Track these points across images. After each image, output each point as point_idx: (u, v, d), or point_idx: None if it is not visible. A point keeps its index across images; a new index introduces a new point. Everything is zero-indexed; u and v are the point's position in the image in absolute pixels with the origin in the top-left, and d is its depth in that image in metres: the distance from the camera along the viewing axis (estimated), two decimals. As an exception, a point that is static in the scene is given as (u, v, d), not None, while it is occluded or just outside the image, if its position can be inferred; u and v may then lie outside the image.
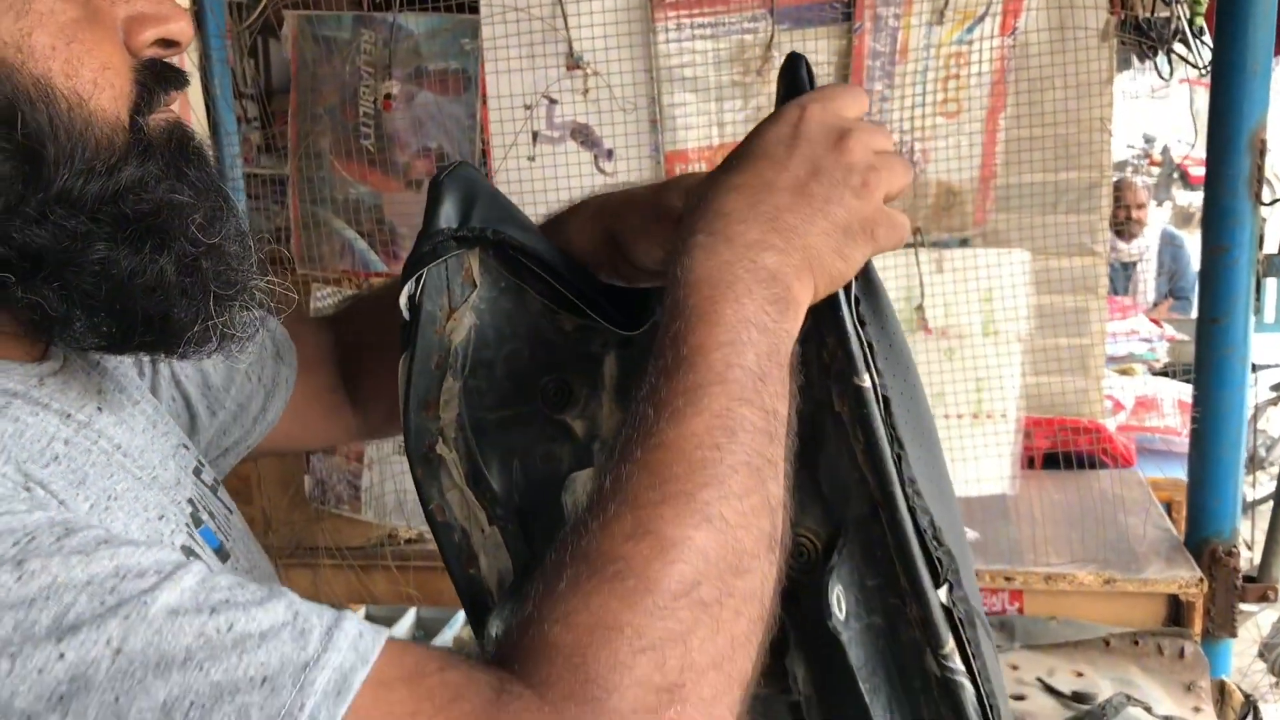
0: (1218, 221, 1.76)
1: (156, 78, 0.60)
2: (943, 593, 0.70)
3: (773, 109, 0.74)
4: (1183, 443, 2.54)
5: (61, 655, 0.41)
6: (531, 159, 1.77)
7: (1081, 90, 1.78)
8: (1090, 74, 1.77)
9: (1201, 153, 1.79)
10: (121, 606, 0.43)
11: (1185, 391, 2.73)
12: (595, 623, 0.50)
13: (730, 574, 0.54)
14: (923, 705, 0.72)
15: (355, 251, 1.82)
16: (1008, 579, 1.82)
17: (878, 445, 0.70)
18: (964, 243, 1.86)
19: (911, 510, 0.69)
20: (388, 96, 1.77)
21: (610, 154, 1.78)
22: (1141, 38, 1.81)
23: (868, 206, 0.67)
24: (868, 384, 0.70)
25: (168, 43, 0.60)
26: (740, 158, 0.69)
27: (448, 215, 0.76)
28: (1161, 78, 1.86)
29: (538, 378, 0.79)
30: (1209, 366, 1.81)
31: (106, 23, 0.57)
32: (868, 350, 0.70)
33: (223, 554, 0.69)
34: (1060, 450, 2.06)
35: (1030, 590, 1.83)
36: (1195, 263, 5.94)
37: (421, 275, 0.76)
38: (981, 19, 1.76)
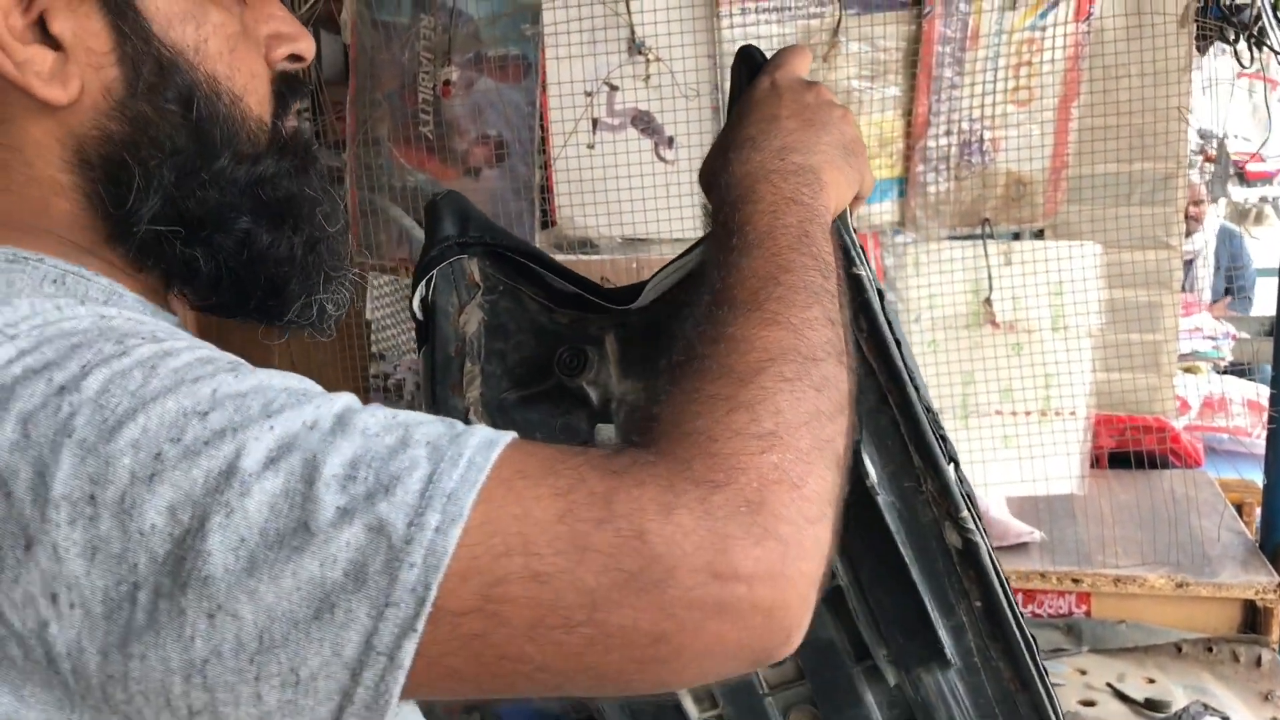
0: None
1: (288, 87, 0.71)
2: (950, 469, 0.75)
3: (740, 94, 0.85)
4: (1253, 443, 2.48)
5: (271, 428, 0.51)
6: (591, 147, 1.74)
7: (1158, 78, 1.72)
8: (1168, 61, 1.71)
9: (1258, 148, 1.74)
10: (313, 399, 0.53)
11: (1255, 390, 2.66)
12: (687, 397, 0.58)
13: (805, 360, 0.61)
14: (946, 585, 0.77)
15: (413, 240, 1.80)
16: (1075, 580, 1.77)
17: (880, 330, 0.77)
18: (1034, 234, 1.81)
19: (916, 390, 0.75)
20: (447, 83, 1.75)
21: (671, 141, 1.74)
22: (1222, 23, 1.75)
23: (851, 128, 0.81)
24: (865, 274, 0.77)
25: (296, 57, 0.72)
26: (737, 116, 0.81)
27: (448, 228, 0.87)
28: (1241, 65, 1.79)
29: (547, 359, 0.87)
30: (1289, 363, 1.75)
31: (254, 38, 0.69)
32: (859, 249, 0.78)
33: None
34: (1126, 449, 2.01)
35: (1098, 593, 1.78)
36: (1254, 259, 5.83)
37: (432, 277, 0.85)
38: (1055, 4, 1.70)
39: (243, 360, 0.57)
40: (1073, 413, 1.79)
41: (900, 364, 0.77)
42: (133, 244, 0.64)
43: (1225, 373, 2.82)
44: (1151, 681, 1.64)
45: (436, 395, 0.84)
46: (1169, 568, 1.77)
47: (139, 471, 0.49)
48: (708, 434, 0.56)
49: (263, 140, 0.68)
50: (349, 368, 1.92)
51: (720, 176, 0.75)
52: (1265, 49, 1.81)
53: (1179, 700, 1.58)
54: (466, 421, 0.83)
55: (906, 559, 0.77)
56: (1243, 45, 1.78)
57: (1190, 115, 1.74)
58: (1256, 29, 1.80)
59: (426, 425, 0.54)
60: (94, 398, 0.50)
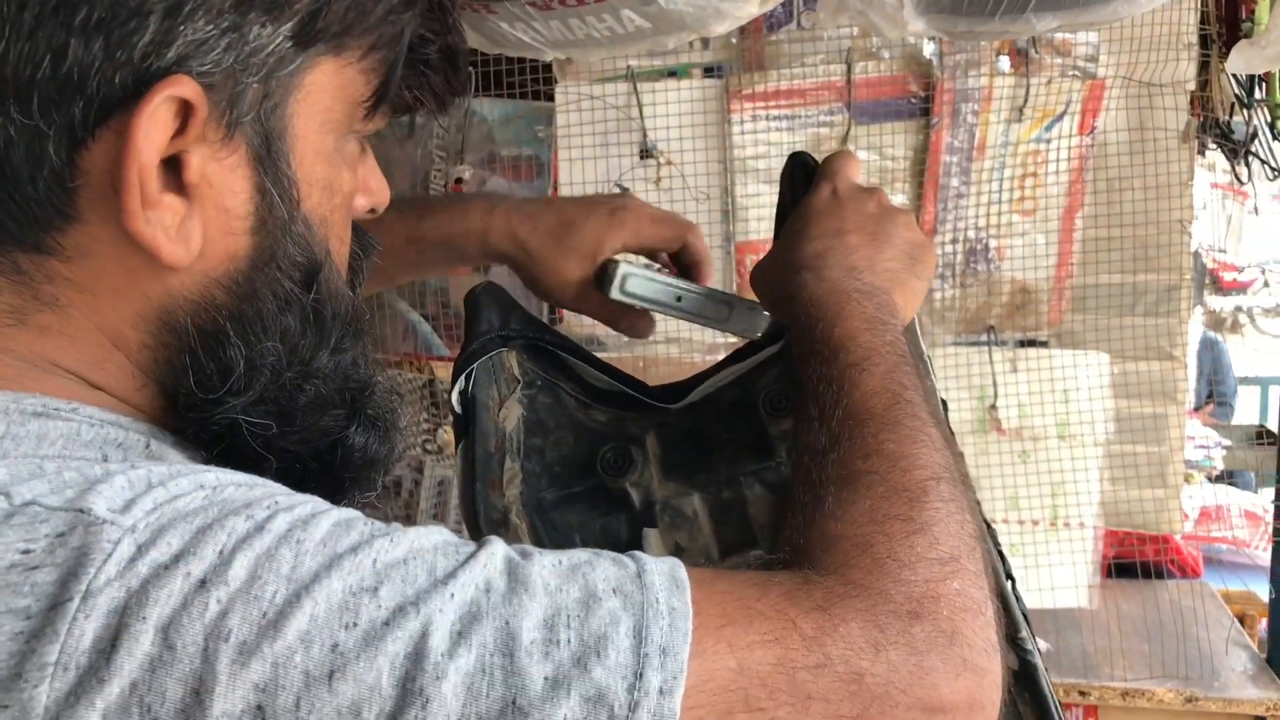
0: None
1: (362, 247, 0.63)
2: (1009, 586, 0.75)
3: (793, 200, 0.84)
4: (1252, 554, 2.47)
5: (451, 595, 0.45)
6: (601, 247, 1.74)
7: (1160, 191, 1.75)
8: (1170, 175, 1.74)
9: (1232, 258, 1.78)
10: (477, 557, 0.48)
11: (1251, 500, 2.66)
12: (866, 517, 0.56)
13: (953, 480, 0.60)
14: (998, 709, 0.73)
15: (418, 334, 1.79)
16: (1082, 693, 1.74)
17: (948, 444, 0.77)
18: (1033, 343, 1.82)
19: (978, 504, 0.73)
20: (459, 181, 1.76)
21: (681, 243, 1.75)
22: (1222, 141, 1.79)
23: (916, 235, 0.79)
24: (934, 384, 0.78)
25: (371, 210, 0.63)
26: (801, 225, 0.79)
27: (489, 320, 0.85)
28: (1239, 180, 1.83)
29: (587, 459, 0.85)
30: (1293, 475, 1.75)
31: (349, 194, 0.59)
32: (927, 358, 0.79)
33: None
34: (1126, 559, 2.00)
35: (1106, 706, 1.75)
36: (1235, 368, 5.89)
37: (472, 371, 0.83)
38: (1060, 118, 1.74)
39: (358, 513, 0.49)
40: (1080, 523, 1.78)
41: (965, 475, 0.77)
42: (204, 428, 0.53)
43: (1217, 481, 2.83)
44: (1165, 800, 1.61)
45: (476, 493, 0.82)
46: (1177, 681, 1.75)
47: (314, 670, 0.42)
48: (896, 559, 0.54)
49: (348, 316, 0.57)
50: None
51: (798, 295, 0.73)
52: (1258, 165, 1.85)
53: (1193, 821, 1.55)
54: (505, 521, 0.81)
55: None
56: (1234, 162, 1.81)
57: (1191, 229, 1.76)
58: (1252, 145, 1.84)
59: (599, 567, 0.49)
60: (244, 588, 0.43)
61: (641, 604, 0.47)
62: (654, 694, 0.45)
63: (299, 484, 0.54)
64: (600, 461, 0.83)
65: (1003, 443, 1.79)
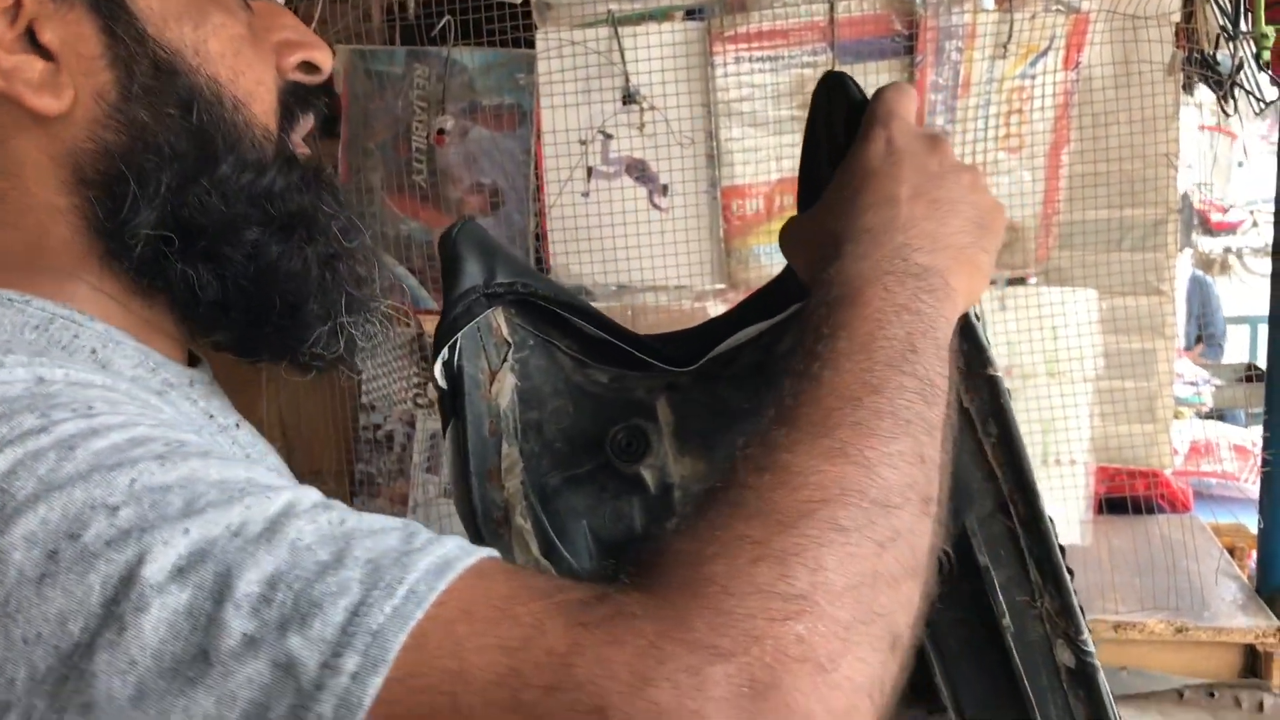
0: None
1: (297, 98, 0.67)
2: (1069, 579, 0.69)
3: (832, 134, 0.74)
4: (1241, 487, 2.49)
5: (186, 531, 0.44)
6: (586, 195, 1.74)
7: (1146, 125, 1.74)
8: (1155, 108, 1.74)
9: (1221, 197, 1.77)
10: (245, 497, 0.46)
11: (1240, 435, 2.68)
12: (713, 536, 0.47)
13: (871, 505, 0.50)
14: (1049, 704, 0.70)
15: (405, 288, 1.79)
16: (1075, 627, 1.76)
17: (1014, 437, 0.69)
18: (1021, 281, 1.82)
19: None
20: (440, 132, 1.74)
21: (666, 189, 1.75)
22: (1207, 72, 1.78)
23: (986, 198, 0.69)
24: (999, 373, 0.69)
25: (310, 67, 0.68)
26: (850, 187, 0.69)
27: (472, 273, 0.74)
28: (1225, 114, 1.82)
29: (591, 433, 0.76)
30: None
31: (263, 43, 0.65)
32: (991, 347, 0.69)
33: None
34: (1117, 495, 2.01)
35: (1098, 638, 1.73)
36: (1224, 308, 5.91)
37: (456, 340, 0.73)
38: (1045, 53, 1.73)
39: (202, 443, 0.50)
40: (1072, 460, 1.79)
41: (1033, 478, 0.69)
42: (131, 263, 0.60)
43: (1207, 418, 2.84)
44: (1156, 729, 1.63)
45: (472, 489, 0.74)
46: (1167, 613, 1.76)
47: (28, 571, 0.43)
48: (720, 585, 0.44)
49: (269, 151, 0.63)
50: (338, 420, 1.89)
51: (828, 270, 0.63)
52: (1243, 96, 1.84)
53: (1185, 748, 1.57)
54: (508, 521, 0.73)
55: (1021, 680, 0.70)
56: (1220, 96, 1.80)
57: (1178, 162, 1.76)
58: (1239, 77, 1.83)
59: (380, 537, 0.46)
60: None
61: (381, 582, 0.43)
62: (345, 676, 0.42)
63: (253, 320, 0.62)
64: (611, 444, 0.75)
65: (992, 381, 1.80)
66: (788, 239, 0.73)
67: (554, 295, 0.77)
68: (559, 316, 0.77)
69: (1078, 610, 0.69)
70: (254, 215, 0.61)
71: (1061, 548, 0.70)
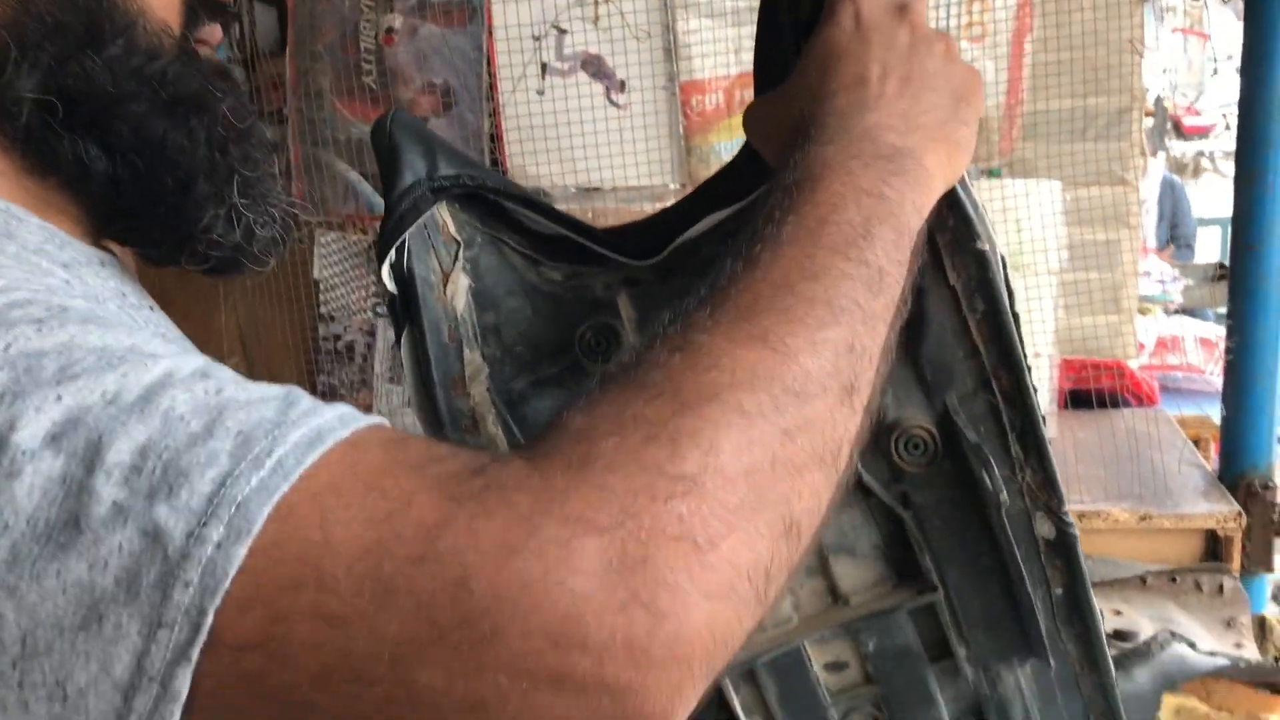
0: (1252, 144, 1.71)
1: (202, 3, 0.64)
2: (1051, 453, 0.69)
3: (767, 12, 0.71)
4: (1206, 380, 2.50)
5: (59, 398, 0.44)
6: (540, 93, 1.70)
7: (1110, 10, 1.71)
8: (1119, -7, 1.71)
9: (1191, 101, 1.75)
10: (123, 364, 0.45)
11: (1207, 330, 2.69)
12: (610, 413, 0.47)
13: (784, 393, 0.49)
14: (1028, 576, 0.71)
15: (360, 194, 1.75)
16: (1040, 519, 1.77)
17: (1001, 311, 0.68)
18: (991, 173, 1.80)
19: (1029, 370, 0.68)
20: (389, 31, 1.70)
21: (623, 85, 1.71)
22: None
23: (961, 66, 0.66)
24: (988, 247, 0.66)
25: None
26: (817, 68, 0.66)
27: (414, 166, 0.70)
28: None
29: (553, 335, 0.74)
30: (1244, 294, 1.76)
31: None
32: (984, 219, 0.66)
33: None
34: (1083, 390, 2.02)
35: (1063, 530, 1.78)
36: (1195, 210, 5.92)
37: (403, 241, 0.68)
38: (1007, -63, 1.69)
39: (76, 305, 0.49)
40: (1036, 353, 1.79)
41: (1020, 352, 0.68)
42: (18, 133, 0.57)
43: (1176, 314, 2.85)
44: (1118, 613, 1.65)
45: (437, 399, 0.70)
46: (1131, 501, 1.78)
47: None
48: (606, 461, 0.44)
49: (166, 44, 0.61)
50: (296, 330, 1.87)
51: (792, 156, 0.61)
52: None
53: (1146, 630, 1.59)
54: (476, 428, 0.71)
55: (1005, 553, 0.71)
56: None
57: (1143, 48, 1.73)
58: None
59: (256, 408, 0.45)
60: None
61: (250, 453, 0.43)
62: (210, 546, 0.42)
63: (151, 203, 0.60)
64: (580, 344, 0.72)
65: (956, 276, 1.79)
66: (753, 123, 0.70)
67: (502, 188, 0.73)
68: (507, 212, 0.73)
69: (1058, 482, 0.69)
70: (142, 93, 0.59)
71: (1043, 417, 0.69)
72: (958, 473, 0.70)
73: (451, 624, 0.42)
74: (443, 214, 0.71)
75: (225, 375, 0.47)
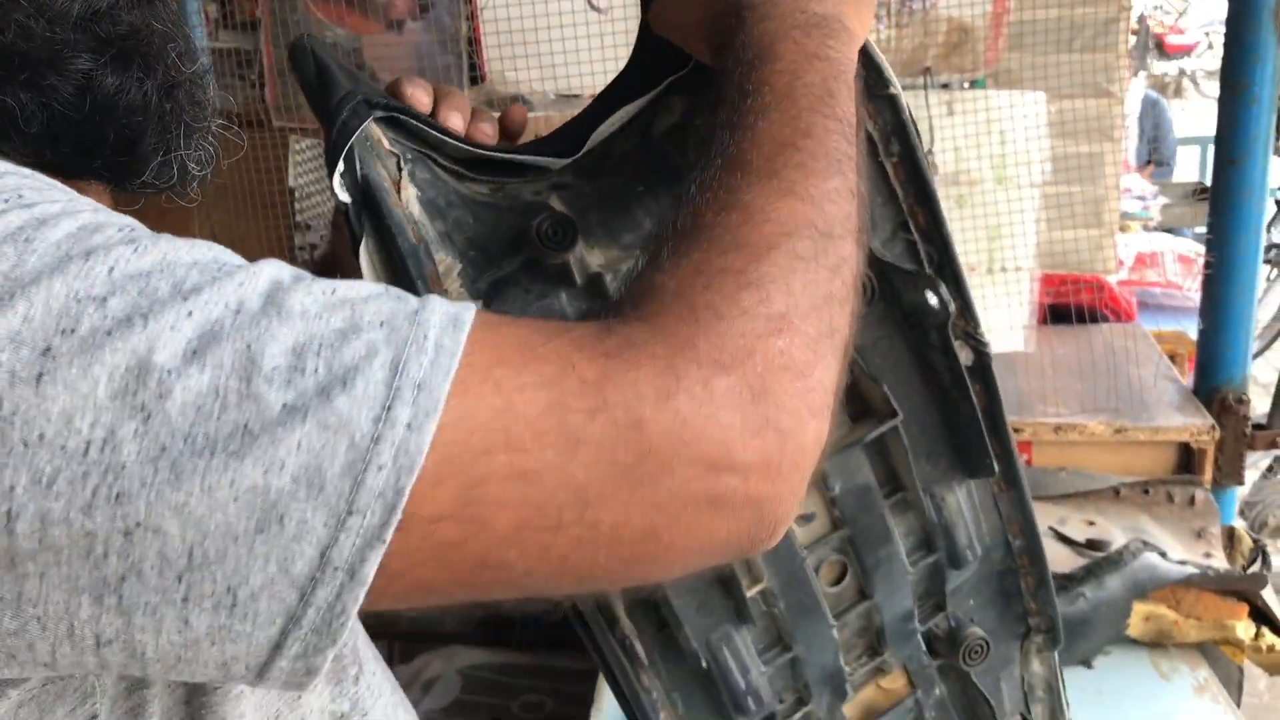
0: (1239, 57, 1.69)
1: None
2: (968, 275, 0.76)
3: None
4: (1184, 297, 2.52)
5: (190, 314, 0.43)
6: (521, -6, 1.66)
7: (1101, -82, 1.69)
8: (1110, -102, 1.68)
9: (1174, 20, 1.72)
10: (232, 275, 0.45)
11: (1186, 246, 2.70)
12: (693, 269, 0.53)
13: (822, 236, 0.56)
14: (957, 399, 0.77)
15: (335, 100, 1.72)
16: (1016, 430, 1.78)
17: (915, 151, 0.72)
18: (975, 84, 1.78)
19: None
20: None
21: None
22: None
23: None
24: (899, 91, 0.72)
25: None
26: None
27: (341, 82, 0.69)
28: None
29: (501, 236, 0.75)
30: (1225, 209, 1.75)
31: None
32: (889, 69, 0.71)
33: None
34: (1062, 305, 2.02)
35: (1039, 441, 1.79)
36: (1176, 129, 5.90)
37: (351, 147, 0.67)
38: None
39: (135, 222, 0.48)
40: (1017, 267, 1.79)
41: (934, 189, 0.73)
42: None
43: (1154, 231, 2.86)
44: (1091, 524, 1.67)
45: (419, 292, 0.70)
46: (1107, 414, 1.79)
47: (22, 371, 0.41)
48: (714, 310, 0.51)
49: None
50: (272, 239, 1.84)
51: (731, 40, 0.65)
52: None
53: (1118, 540, 1.61)
54: None
55: (944, 372, 0.76)
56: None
57: (1132, -44, 1.71)
58: None
59: (375, 301, 0.47)
60: None
61: (407, 339, 0.45)
62: (400, 427, 0.44)
63: (83, 152, 0.57)
64: (537, 234, 0.72)
65: (940, 189, 1.77)
66: (666, 13, 0.71)
67: (416, 113, 0.73)
68: (422, 133, 0.73)
69: (975, 308, 0.74)
70: (83, 41, 0.55)
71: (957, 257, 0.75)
72: (891, 310, 0.76)
73: (631, 462, 0.47)
74: (376, 129, 0.71)
75: (308, 275, 0.48)
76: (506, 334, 0.48)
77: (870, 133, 0.73)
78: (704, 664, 0.74)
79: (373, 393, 0.44)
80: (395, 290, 0.49)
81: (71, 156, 0.57)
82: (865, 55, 0.70)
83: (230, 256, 0.48)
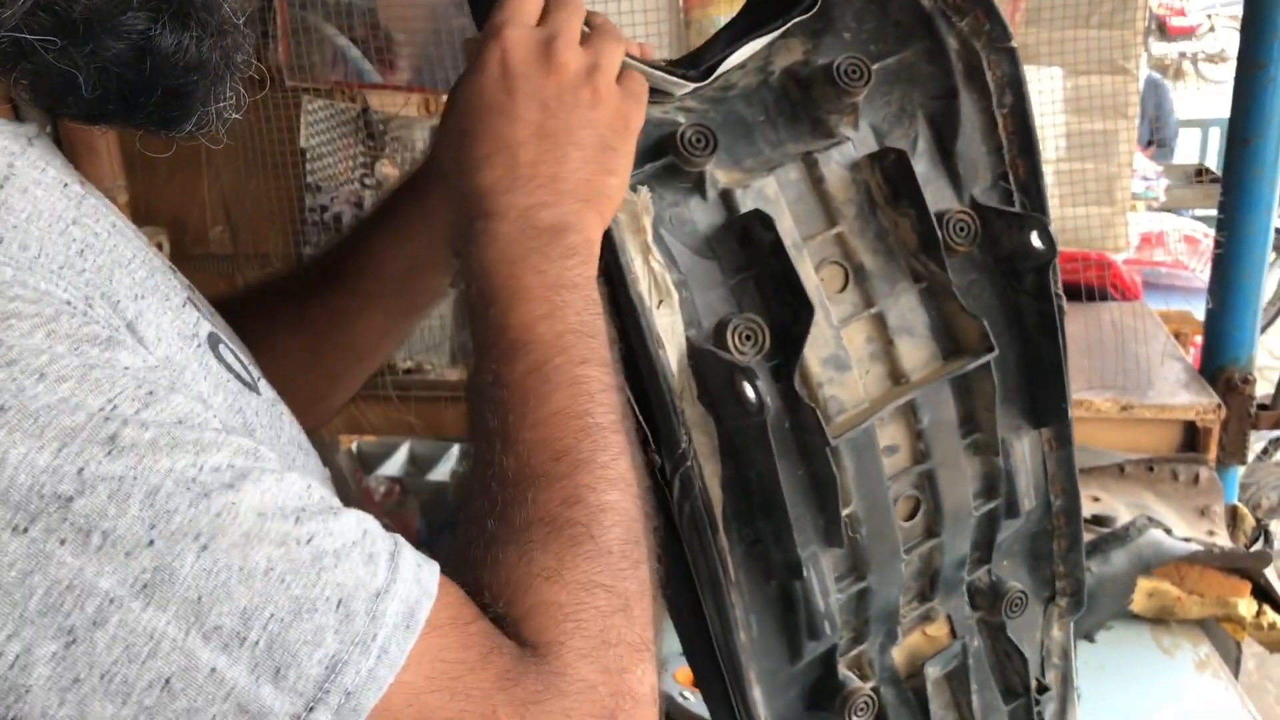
0: (1255, 36, 1.69)
1: None
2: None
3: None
4: (1190, 277, 2.52)
5: (151, 543, 0.42)
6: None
7: (1121, -107, 1.68)
8: (1132, -127, 1.67)
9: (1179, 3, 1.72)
10: (211, 499, 0.44)
11: (1192, 227, 2.70)
12: (579, 584, 0.54)
13: (641, 529, 0.58)
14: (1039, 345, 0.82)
15: (348, 60, 1.70)
16: (1023, 407, 1.79)
17: (1026, 101, 0.78)
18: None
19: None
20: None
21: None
22: None
23: (607, 110, 0.66)
24: (1016, 45, 0.77)
25: None
26: (467, 119, 0.66)
27: None
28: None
29: (640, 140, 0.77)
30: (1237, 189, 1.75)
31: None
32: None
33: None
34: (1070, 283, 2.02)
35: (1045, 417, 1.80)
36: (1177, 111, 5.90)
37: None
38: None
39: (131, 385, 0.45)
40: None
41: (1038, 142, 0.80)
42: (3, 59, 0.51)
43: (1158, 211, 2.86)
44: (1097, 500, 1.68)
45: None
46: (1114, 391, 1.80)
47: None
48: (606, 642, 0.53)
49: None
50: (284, 200, 1.83)
51: (472, 256, 0.63)
52: None
53: (1123, 516, 1.62)
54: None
55: (1037, 313, 0.79)
56: None
57: (1153, -68, 1.70)
58: None
59: (344, 564, 0.47)
60: None
61: (356, 635, 0.45)
62: None
63: (130, 107, 0.55)
64: (680, 140, 0.72)
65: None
66: (443, 143, 0.70)
67: None
68: None
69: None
70: (139, 1, 0.53)
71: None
72: (985, 256, 0.78)
73: None
74: None
75: (296, 486, 0.47)
76: (442, 648, 0.48)
77: (988, 83, 0.77)
78: (798, 578, 0.74)
79: (301, 689, 0.44)
80: (369, 543, 0.48)
81: (121, 111, 0.56)
82: (988, 6, 0.74)
83: (216, 440, 0.46)
